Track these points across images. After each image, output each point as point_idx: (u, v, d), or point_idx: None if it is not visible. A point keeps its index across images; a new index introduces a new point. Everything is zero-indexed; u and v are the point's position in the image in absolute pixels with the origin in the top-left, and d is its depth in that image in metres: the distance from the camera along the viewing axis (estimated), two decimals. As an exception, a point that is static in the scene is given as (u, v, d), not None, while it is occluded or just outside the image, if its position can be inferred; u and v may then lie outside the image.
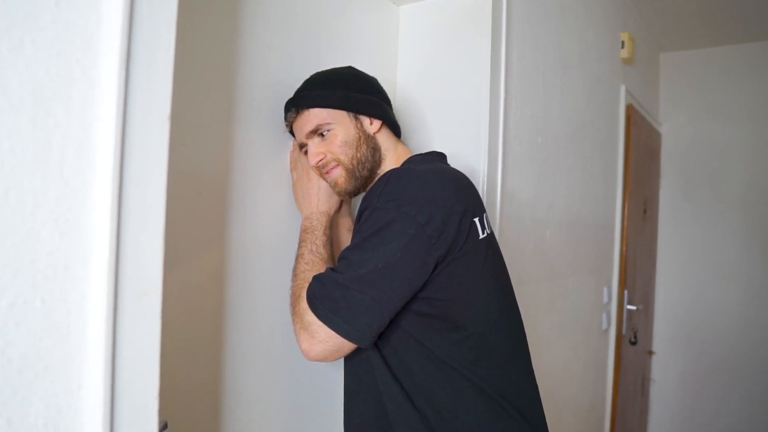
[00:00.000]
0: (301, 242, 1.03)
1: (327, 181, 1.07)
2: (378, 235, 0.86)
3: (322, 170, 1.05)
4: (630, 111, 2.60)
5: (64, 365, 0.54)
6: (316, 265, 0.99)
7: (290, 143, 1.14)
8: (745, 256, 3.15)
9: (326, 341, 0.85)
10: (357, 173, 1.03)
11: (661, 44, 3.32)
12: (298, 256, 1.02)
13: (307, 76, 1.14)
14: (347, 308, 0.84)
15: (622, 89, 2.54)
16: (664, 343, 3.37)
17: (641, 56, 2.91)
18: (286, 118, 1.06)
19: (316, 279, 0.89)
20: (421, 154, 1.09)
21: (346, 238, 1.21)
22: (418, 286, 0.89)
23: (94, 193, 0.56)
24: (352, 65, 1.14)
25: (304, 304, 0.89)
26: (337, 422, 1.27)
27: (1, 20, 0.49)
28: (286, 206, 1.13)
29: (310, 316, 0.86)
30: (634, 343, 2.76)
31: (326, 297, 0.86)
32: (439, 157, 1.10)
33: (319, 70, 1.17)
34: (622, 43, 2.49)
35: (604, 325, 2.47)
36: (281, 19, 1.10)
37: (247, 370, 1.04)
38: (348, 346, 0.87)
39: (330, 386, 1.25)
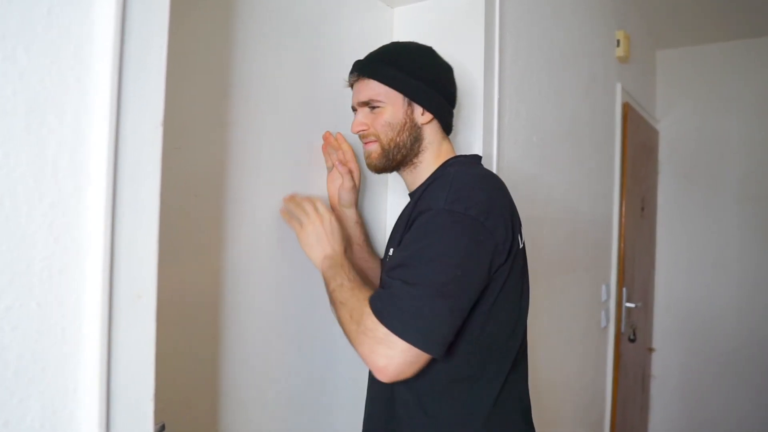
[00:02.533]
0: (331, 278, 0.99)
1: (364, 150, 1.09)
2: (449, 241, 0.85)
3: (362, 140, 1.08)
4: (626, 109, 2.60)
5: (59, 368, 0.55)
6: (362, 290, 0.94)
7: (287, 143, 1.14)
8: (743, 251, 3.16)
9: (406, 351, 0.80)
10: (390, 155, 1.05)
11: (658, 41, 3.32)
12: (337, 287, 0.96)
13: (302, 78, 1.16)
14: (426, 318, 0.81)
15: (618, 87, 2.55)
16: (665, 339, 3.38)
17: (637, 54, 2.91)
18: (349, 77, 1.09)
19: (385, 293, 0.85)
20: (466, 156, 1.10)
21: (354, 231, 1.22)
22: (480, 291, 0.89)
23: (88, 199, 0.57)
24: (348, 68, 1.15)
25: (370, 321, 0.83)
26: (334, 422, 1.28)
27: (-6, 30, 0.50)
28: (280, 209, 1.14)
29: (383, 330, 0.81)
30: (633, 341, 2.76)
31: (401, 309, 0.82)
32: (479, 160, 1.11)
33: (314, 71, 1.18)
34: (618, 41, 2.49)
35: (603, 323, 2.47)
36: (274, 22, 1.11)
37: (244, 372, 1.05)
38: (425, 358, 0.82)
39: (327, 387, 1.26)
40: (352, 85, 1.10)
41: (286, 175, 1.15)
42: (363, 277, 1.17)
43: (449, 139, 1.13)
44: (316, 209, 1.08)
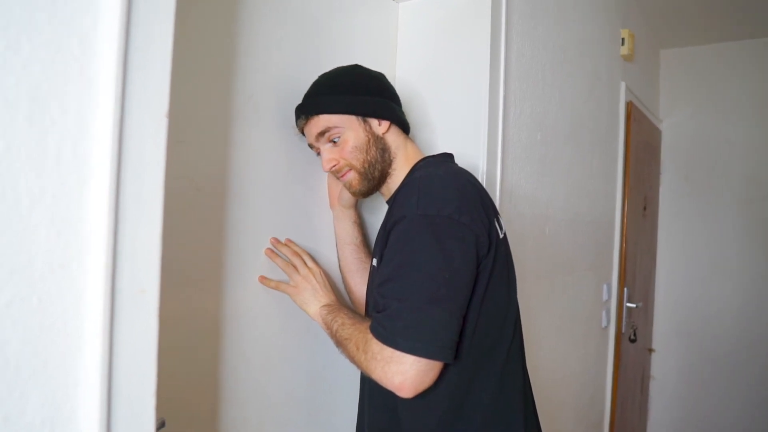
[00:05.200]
0: (332, 321, 1.01)
1: (342, 183, 1.09)
2: (430, 245, 0.85)
3: (336, 174, 1.08)
4: (630, 108, 2.59)
5: (60, 363, 0.54)
6: (363, 322, 0.95)
7: (289, 139, 1.13)
8: (745, 252, 3.15)
9: (416, 363, 0.81)
10: (369, 175, 1.06)
11: (662, 41, 3.31)
12: (339, 328, 0.98)
13: (306, 73, 1.15)
14: (427, 328, 0.82)
15: (622, 86, 2.54)
16: (665, 340, 3.38)
17: (641, 53, 2.90)
18: (297, 124, 1.09)
19: (383, 316, 0.85)
20: (434, 156, 1.10)
21: (351, 231, 1.22)
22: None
23: (91, 192, 0.56)
24: (352, 62, 1.14)
25: (375, 345, 0.85)
26: (333, 418, 1.27)
27: (-3, 18, 0.49)
28: (284, 203, 1.14)
29: (389, 350, 0.82)
30: (633, 341, 2.76)
31: (402, 327, 0.82)
32: (450, 158, 1.11)
33: (318, 66, 1.17)
34: (622, 40, 2.48)
35: (604, 323, 2.47)
36: (280, 15, 1.10)
37: (245, 368, 1.04)
38: (438, 365, 0.84)
39: (327, 384, 1.25)
40: (302, 130, 1.10)
41: (288, 170, 1.15)
42: (358, 305, 1.21)
43: (411, 139, 1.14)
44: (305, 264, 1.10)
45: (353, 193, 1.09)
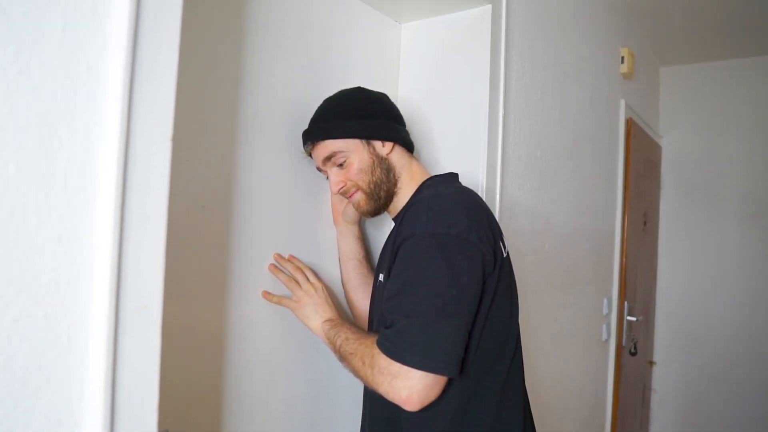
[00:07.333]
0: (335, 336, 1.02)
1: (351, 203, 1.11)
2: (438, 263, 0.87)
3: (344, 195, 1.11)
4: (630, 124, 2.61)
5: (65, 377, 0.55)
6: (368, 337, 0.96)
7: (294, 156, 1.15)
8: (744, 267, 3.15)
9: (423, 378, 0.83)
10: (375, 195, 1.08)
11: (662, 58, 3.33)
12: (343, 342, 0.99)
13: (311, 92, 1.17)
14: (434, 343, 0.83)
15: (622, 103, 2.56)
16: (665, 353, 3.37)
17: (641, 70, 2.92)
18: (304, 149, 1.12)
19: (391, 332, 0.86)
20: (441, 175, 1.13)
21: (355, 247, 1.24)
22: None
23: (97, 212, 0.58)
24: (356, 82, 1.16)
25: (383, 360, 0.86)
26: (335, 430, 1.28)
27: (10, 45, 0.51)
28: (288, 219, 1.15)
29: (397, 365, 0.84)
30: (634, 354, 2.76)
31: (409, 342, 0.84)
32: (455, 178, 1.14)
33: (324, 85, 1.20)
34: (622, 58, 2.51)
35: (604, 336, 2.47)
36: (284, 37, 1.12)
37: (248, 381, 1.05)
38: (443, 379, 0.85)
39: (328, 397, 1.26)
40: (310, 155, 1.13)
41: (292, 187, 1.16)
42: (361, 320, 1.22)
43: (416, 158, 1.17)
44: (307, 280, 1.12)
45: (362, 213, 1.12)
